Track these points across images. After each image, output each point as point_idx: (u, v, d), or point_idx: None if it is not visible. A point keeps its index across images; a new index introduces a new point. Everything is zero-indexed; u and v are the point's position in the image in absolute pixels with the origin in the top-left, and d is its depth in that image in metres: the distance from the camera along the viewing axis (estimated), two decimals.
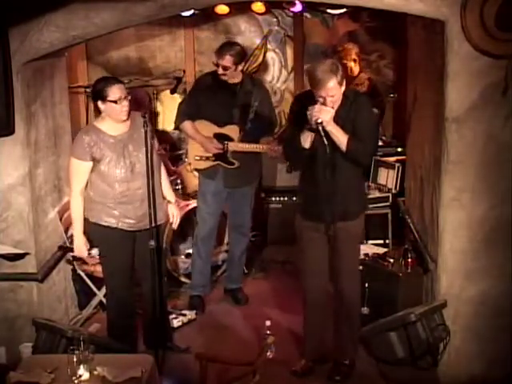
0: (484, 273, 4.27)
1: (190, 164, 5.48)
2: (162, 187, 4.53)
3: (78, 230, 4.40)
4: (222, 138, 5.29)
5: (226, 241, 5.94)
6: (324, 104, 3.98)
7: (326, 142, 3.96)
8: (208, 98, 5.25)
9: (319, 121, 3.94)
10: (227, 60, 5.14)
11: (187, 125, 5.31)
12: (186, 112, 5.32)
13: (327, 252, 4.28)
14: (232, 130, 5.32)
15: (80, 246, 4.41)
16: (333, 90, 3.96)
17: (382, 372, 4.40)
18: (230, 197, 5.44)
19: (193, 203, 5.70)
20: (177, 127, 5.50)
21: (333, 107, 4.00)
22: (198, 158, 5.34)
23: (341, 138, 4.01)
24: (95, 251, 4.41)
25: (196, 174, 5.50)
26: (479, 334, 4.33)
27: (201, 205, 5.45)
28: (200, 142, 5.29)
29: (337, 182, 4.09)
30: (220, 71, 5.20)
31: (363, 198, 4.44)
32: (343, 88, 4.05)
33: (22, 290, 4.54)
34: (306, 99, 4.08)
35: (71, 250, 4.71)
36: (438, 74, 4.22)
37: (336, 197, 4.10)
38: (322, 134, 3.96)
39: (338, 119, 4.03)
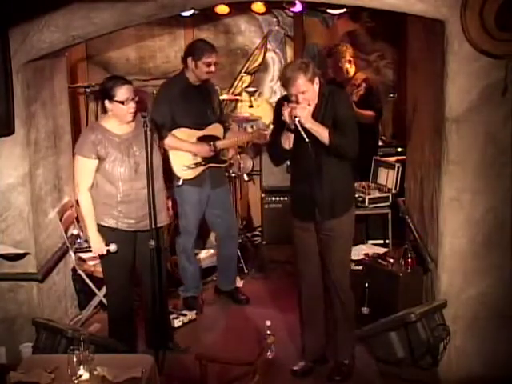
0: (484, 273, 4.27)
1: (178, 178, 5.21)
2: (164, 189, 4.52)
3: (91, 227, 4.35)
4: (206, 139, 5.23)
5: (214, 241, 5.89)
6: (297, 102, 4.00)
7: (306, 139, 3.98)
8: (181, 103, 5.11)
9: (296, 119, 3.96)
10: (216, 55, 5.15)
11: (170, 138, 5.06)
12: (163, 125, 4.94)
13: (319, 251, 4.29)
14: (215, 130, 5.28)
15: (97, 244, 4.35)
16: (302, 86, 3.98)
17: (382, 372, 4.41)
18: (212, 202, 5.35)
19: None
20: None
21: (309, 105, 4.03)
22: (185, 168, 5.18)
23: (322, 133, 4.02)
24: (113, 247, 4.32)
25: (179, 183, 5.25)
26: (479, 333, 4.33)
27: (187, 215, 5.28)
28: (192, 150, 5.17)
29: (322, 179, 4.10)
30: (212, 69, 5.13)
31: (350, 194, 4.40)
32: (317, 86, 4.07)
33: (22, 289, 4.54)
34: (288, 102, 4.09)
35: (85, 250, 4.66)
36: (437, 74, 4.22)
37: (322, 195, 4.10)
38: (302, 131, 3.98)
39: (316, 117, 4.05)
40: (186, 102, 5.15)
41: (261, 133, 5.41)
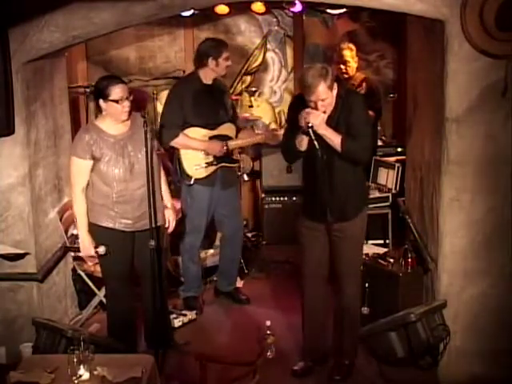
0: (484, 273, 4.27)
1: (190, 177, 5.19)
2: (161, 189, 4.51)
3: (82, 229, 4.36)
4: (219, 139, 5.22)
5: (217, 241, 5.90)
6: (315, 108, 4.00)
7: (317, 145, 3.99)
8: (193, 103, 5.12)
9: (310, 125, 3.97)
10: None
11: (181, 137, 5.10)
12: (175, 124, 5.07)
13: (327, 252, 4.29)
14: (228, 129, 5.28)
15: (86, 245, 4.36)
16: (322, 94, 3.97)
17: (382, 372, 4.41)
18: (222, 202, 5.34)
19: None
20: (166, 144, 5.19)
21: (325, 111, 4.03)
22: (197, 167, 5.18)
23: (334, 140, 4.04)
24: (102, 249, 4.33)
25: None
26: (479, 333, 4.32)
27: (197, 214, 5.28)
28: (202, 147, 5.16)
29: (334, 182, 4.11)
30: (230, 63, 5.18)
31: (362, 197, 4.42)
32: (335, 91, 4.06)
33: (22, 289, 4.54)
34: (303, 100, 4.08)
35: (77, 249, 4.67)
36: (437, 74, 4.22)
37: (334, 197, 4.11)
38: (313, 137, 3.99)
39: (331, 121, 4.06)
40: (199, 101, 5.14)
41: (274, 134, 5.40)
